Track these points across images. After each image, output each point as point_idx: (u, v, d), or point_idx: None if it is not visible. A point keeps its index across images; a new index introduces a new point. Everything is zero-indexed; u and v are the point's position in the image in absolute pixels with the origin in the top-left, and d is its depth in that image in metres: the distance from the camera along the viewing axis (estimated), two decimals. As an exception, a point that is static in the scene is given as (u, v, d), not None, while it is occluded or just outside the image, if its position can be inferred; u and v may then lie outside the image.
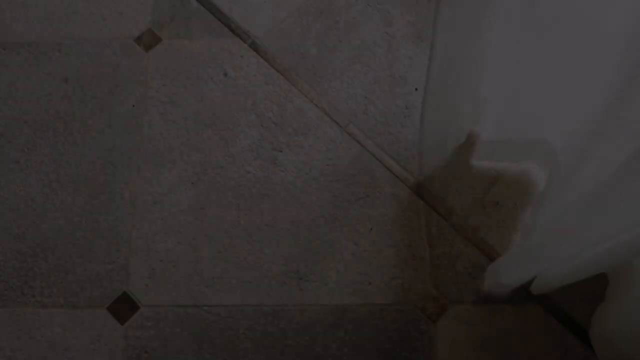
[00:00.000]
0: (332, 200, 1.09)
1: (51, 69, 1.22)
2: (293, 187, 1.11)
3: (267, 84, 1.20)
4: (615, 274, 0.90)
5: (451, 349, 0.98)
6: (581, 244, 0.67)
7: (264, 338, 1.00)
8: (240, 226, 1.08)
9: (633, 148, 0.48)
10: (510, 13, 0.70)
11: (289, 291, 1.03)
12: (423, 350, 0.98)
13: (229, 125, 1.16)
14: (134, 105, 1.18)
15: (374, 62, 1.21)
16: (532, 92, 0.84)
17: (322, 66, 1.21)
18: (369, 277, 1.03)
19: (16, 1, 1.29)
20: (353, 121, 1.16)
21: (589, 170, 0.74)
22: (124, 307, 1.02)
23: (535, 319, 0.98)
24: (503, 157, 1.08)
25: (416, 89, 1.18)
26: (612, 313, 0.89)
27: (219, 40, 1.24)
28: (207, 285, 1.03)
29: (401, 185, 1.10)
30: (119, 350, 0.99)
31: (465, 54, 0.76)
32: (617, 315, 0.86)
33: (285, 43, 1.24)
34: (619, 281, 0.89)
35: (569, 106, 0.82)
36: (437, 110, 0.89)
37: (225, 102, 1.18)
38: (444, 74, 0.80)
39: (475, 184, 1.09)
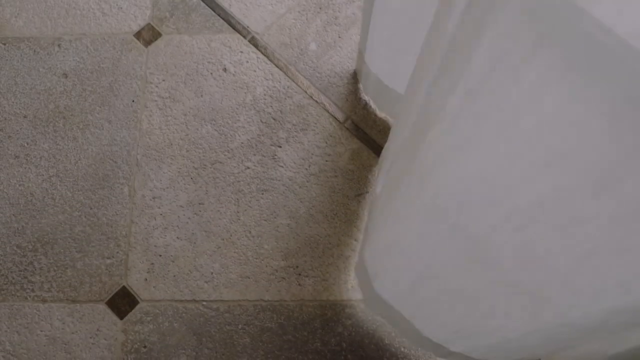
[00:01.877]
0: (331, 195, 1.09)
1: (51, 64, 1.22)
2: (292, 182, 1.11)
3: (266, 79, 1.20)
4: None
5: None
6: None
7: (262, 333, 1.00)
8: (240, 221, 1.08)
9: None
10: None
11: (288, 286, 1.03)
12: (421, 345, 0.98)
13: (229, 121, 1.16)
14: (133, 101, 1.18)
15: (374, 57, 1.21)
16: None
17: (321, 62, 1.21)
18: (367, 272, 1.03)
19: (16, -4, 1.29)
20: (352, 117, 1.16)
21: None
22: (123, 301, 1.03)
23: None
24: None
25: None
26: None
27: (218, 36, 1.24)
28: (206, 280, 1.04)
29: (400, 181, 1.10)
30: (118, 344, 1.00)
31: None
32: None
33: (284, 39, 1.24)
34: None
35: None
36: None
37: (224, 98, 1.18)
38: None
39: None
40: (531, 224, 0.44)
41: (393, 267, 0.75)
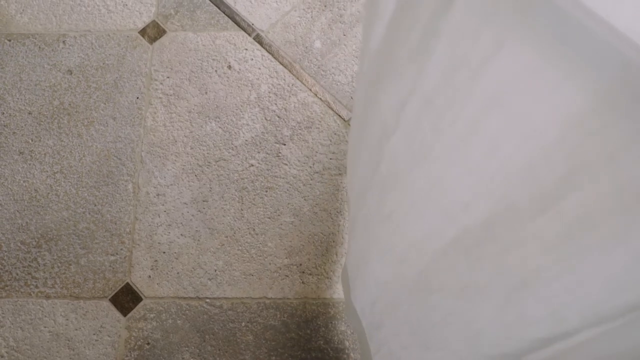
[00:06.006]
0: (335, 193, 1.09)
1: (55, 61, 1.22)
2: (296, 180, 1.10)
3: (271, 77, 1.19)
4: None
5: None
6: None
7: (265, 331, 1.00)
8: (243, 219, 1.07)
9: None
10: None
11: (292, 284, 1.03)
12: (425, 344, 0.98)
13: (233, 118, 1.16)
14: (138, 98, 1.18)
15: (379, 56, 1.20)
16: None
17: (326, 60, 1.21)
18: (371, 271, 1.03)
19: (21, -7, 1.29)
20: (357, 115, 1.15)
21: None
22: (126, 298, 1.03)
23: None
24: None
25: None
26: None
27: (223, 33, 1.24)
28: (209, 278, 1.03)
29: (405, 180, 1.09)
30: (121, 341, 1.00)
31: None
32: None
33: (289, 36, 1.23)
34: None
35: None
36: None
37: (229, 95, 1.18)
38: None
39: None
40: (475, 247, 0.42)
41: (363, 281, 0.74)
